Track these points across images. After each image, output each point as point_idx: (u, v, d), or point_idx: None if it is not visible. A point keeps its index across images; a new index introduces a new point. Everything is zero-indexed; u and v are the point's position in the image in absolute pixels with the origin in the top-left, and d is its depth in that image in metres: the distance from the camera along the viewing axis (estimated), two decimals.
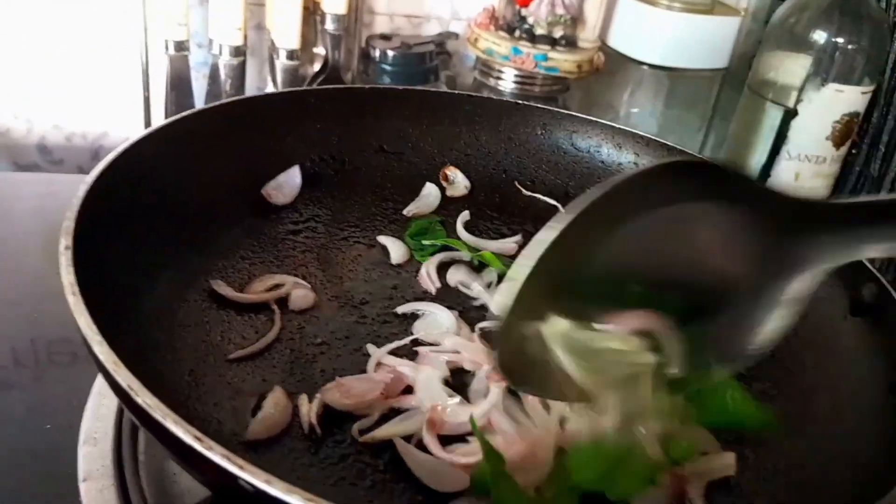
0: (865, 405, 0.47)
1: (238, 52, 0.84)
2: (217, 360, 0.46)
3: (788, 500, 0.44)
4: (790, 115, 0.88)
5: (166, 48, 0.83)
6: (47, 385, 0.55)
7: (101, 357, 0.33)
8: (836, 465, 0.44)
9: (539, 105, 0.70)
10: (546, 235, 0.29)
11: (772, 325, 0.30)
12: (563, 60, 0.94)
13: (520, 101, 0.70)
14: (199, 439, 0.30)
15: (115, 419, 0.50)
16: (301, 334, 0.51)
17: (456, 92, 0.70)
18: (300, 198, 0.62)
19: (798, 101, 0.87)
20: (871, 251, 0.26)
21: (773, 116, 0.90)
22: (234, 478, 0.30)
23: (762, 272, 0.27)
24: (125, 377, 0.33)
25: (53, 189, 0.80)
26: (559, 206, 0.67)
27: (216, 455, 0.30)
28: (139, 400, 0.32)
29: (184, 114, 0.55)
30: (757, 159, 0.93)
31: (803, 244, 0.26)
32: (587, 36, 0.96)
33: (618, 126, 0.68)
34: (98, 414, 0.50)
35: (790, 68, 0.89)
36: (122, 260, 0.46)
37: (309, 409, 0.43)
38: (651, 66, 1.01)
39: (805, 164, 0.88)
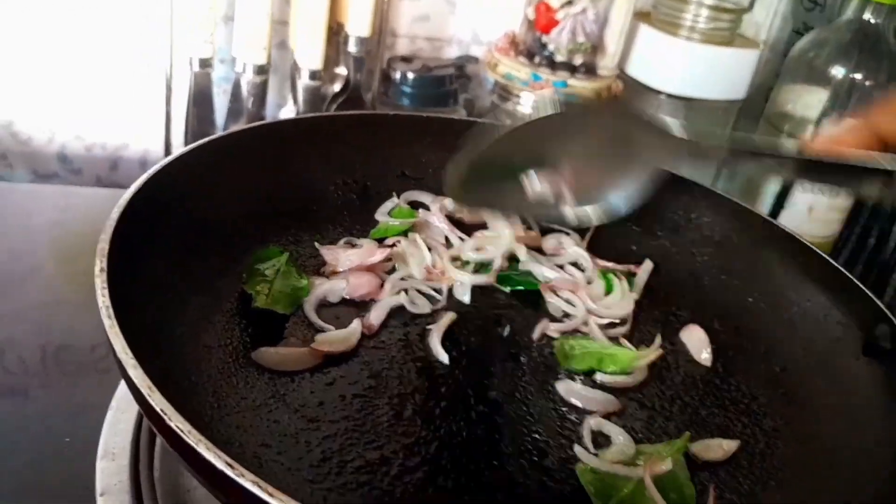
0: (875, 447, 0.47)
1: (262, 70, 0.86)
2: (240, 381, 0.47)
3: None
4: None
5: (191, 65, 0.84)
6: (65, 397, 0.56)
7: (136, 381, 0.34)
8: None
9: None
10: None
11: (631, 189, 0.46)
12: (581, 87, 0.95)
13: None
14: (230, 465, 0.31)
15: (133, 434, 0.50)
16: None
17: (478, 119, 0.71)
18: (324, 221, 0.63)
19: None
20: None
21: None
22: (262, 502, 0.30)
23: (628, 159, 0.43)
24: (159, 401, 0.33)
25: (72, 202, 0.82)
26: (572, 233, 0.67)
27: (247, 482, 0.31)
28: (172, 424, 0.33)
29: (212, 137, 0.56)
30: (772, 191, 0.93)
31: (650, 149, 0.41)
32: (606, 64, 0.97)
33: None
34: (116, 429, 0.51)
35: (807, 102, 0.89)
36: (153, 282, 0.47)
37: None
38: (668, 95, 1.02)
39: (819, 196, 0.89)
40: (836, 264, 0.57)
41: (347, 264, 0.58)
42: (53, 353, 0.60)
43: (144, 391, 0.34)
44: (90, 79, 0.90)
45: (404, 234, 0.63)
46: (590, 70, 0.96)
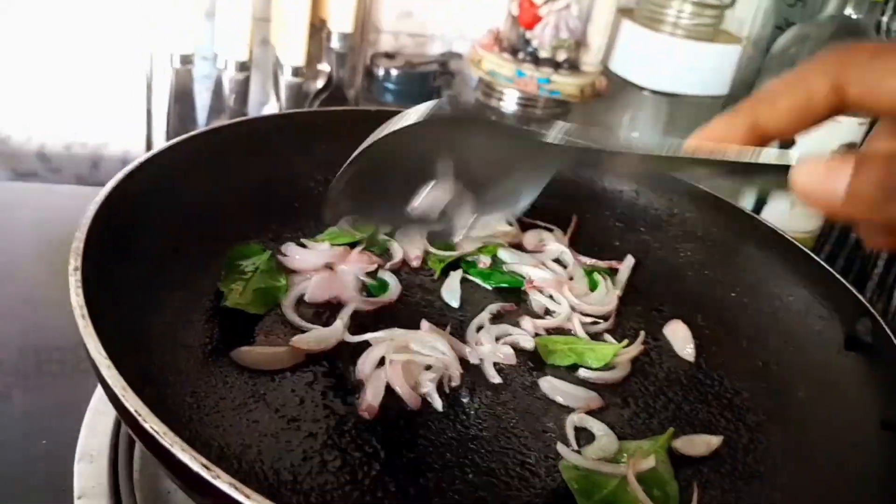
0: (856, 439, 0.47)
1: (243, 67, 0.85)
2: (219, 381, 0.46)
3: None
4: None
5: (171, 61, 0.83)
6: (44, 397, 0.55)
7: (110, 382, 0.34)
8: (825, 498, 0.44)
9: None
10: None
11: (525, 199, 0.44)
12: (565, 84, 0.95)
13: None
14: (206, 467, 0.31)
15: (112, 436, 0.50)
16: None
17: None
18: (307, 218, 0.62)
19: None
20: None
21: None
22: None
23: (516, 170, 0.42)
24: (133, 402, 0.33)
25: (53, 200, 0.81)
26: (555, 229, 0.67)
27: (223, 483, 0.30)
28: (147, 426, 0.32)
29: (191, 133, 0.55)
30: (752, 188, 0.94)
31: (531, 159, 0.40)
32: (590, 60, 0.97)
33: None
34: (95, 431, 0.50)
35: None
36: (131, 280, 0.46)
37: None
38: (652, 91, 1.02)
39: None
40: (817, 259, 0.58)
41: (313, 265, 0.58)
42: (33, 352, 0.59)
43: (118, 392, 0.33)
44: (69, 76, 0.89)
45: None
46: (573, 66, 0.96)
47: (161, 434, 0.32)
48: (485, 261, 0.63)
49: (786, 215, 0.90)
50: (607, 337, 0.57)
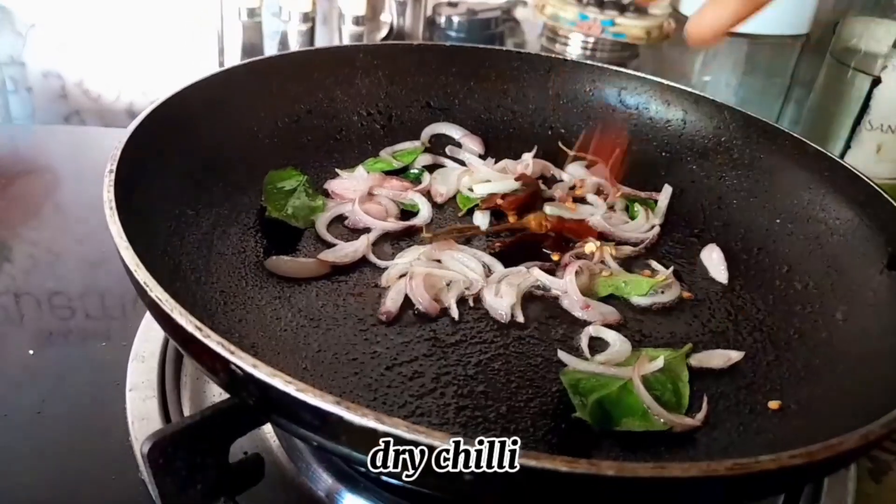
0: (887, 358, 0.45)
1: (307, 17, 0.88)
2: (248, 284, 0.50)
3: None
4: (874, 83, 0.84)
5: (239, 15, 0.88)
6: (104, 317, 0.60)
7: (126, 260, 0.37)
8: (841, 411, 0.43)
9: (588, 62, 0.70)
10: None
11: None
12: (631, 26, 0.93)
13: (568, 59, 0.70)
14: (199, 328, 0.34)
15: (163, 343, 0.54)
16: None
17: (504, 48, 0.71)
18: (347, 150, 0.65)
19: (883, 68, 0.83)
20: None
21: (856, 85, 0.86)
22: (227, 362, 0.33)
23: None
24: (143, 276, 0.36)
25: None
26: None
27: (212, 342, 0.33)
28: (153, 294, 0.35)
29: (234, 64, 0.59)
30: (838, 130, 0.89)
31: None
32: (658, 2, 0.95)
33: (667, 83, 0.68)
34: (148, 336, 0.55)
35: (876, 35, 0.85)
36: (169, 192, 0.50)
37: None
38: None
39: (888, 135, 0.84)
40: (866, 178, 0.55)
41: (354, 190, 0.60)
42: (106, 284, 0.64)
43: (132, 267, 0.37)
44: (150, 37, 0.95)
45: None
46: (639, 8, 0.94)
47: (163, 301, 0.35)
48: None
49: (872, 159, 0.85)
50: (654, 263, 0.57)
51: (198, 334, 0.33)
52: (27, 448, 0.47)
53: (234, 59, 0.93)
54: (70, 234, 0.68)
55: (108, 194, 0.42)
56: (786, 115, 1.07)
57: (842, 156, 0.87)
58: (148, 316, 0.56)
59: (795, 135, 0.61)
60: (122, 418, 0.48)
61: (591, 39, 0.96)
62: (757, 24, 0.98)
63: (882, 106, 0.83)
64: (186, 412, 0.50)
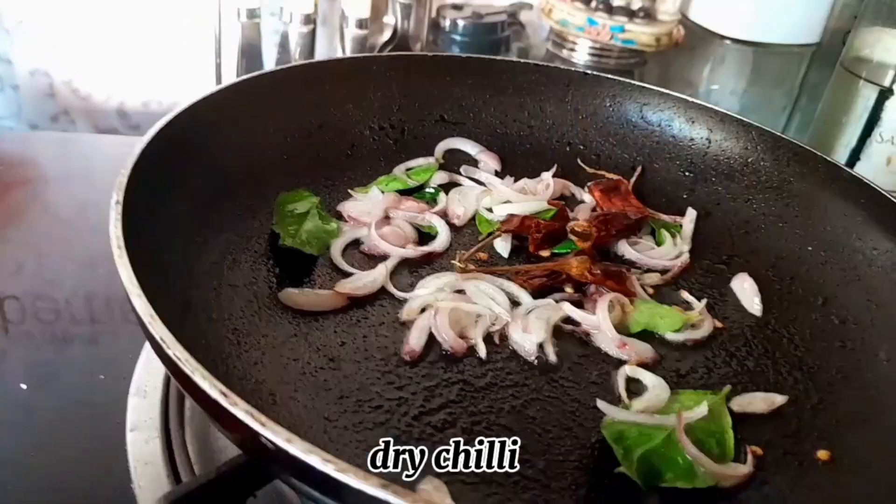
0: None
1: (308, 19, 0.85)
2: (262, 320, 0.46)
3: None
4: (885, 94, 0.82)
5: (238, 15, 0.83)
6: (105, 338, 0.57)
7: (139, 310, 0.34)
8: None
9: (609, 76, 0.67)
10: None
11: None
12: (640, 33, 0.91)
13: (589, 71, 0.67)
14: (224, 395, 0.30)
15: (165, 375, 0.51)
16: None
17: (521, 60, 0.68)
18: (359, 167, 0.61)
19: (894, 80, 0.81)
20: None
21: (866, 96, 0.84)
22: (257, 435, 0.29)
23: None
24: (160, 330, 0.33)
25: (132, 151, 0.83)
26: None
27: (240, 411, 0.30)
28: (170, 352, 0.32)
29: (241, 78, 0.55)
30: (846, 142, 0.87)
31: None
32: (667, 8, 0.92)
33: (691, 100, 0.65)
34: (149, 368, 0.51)
35: (888, 45, 0.83)
36: (176, 219, 0.47)
37: None
38: (735, 40, 0.96)
39: None
40: None
41: (369, 213, 0.56)
42: (110, 299, 0.60)
43: (146, 319, 0.33)
44: (144, 37, 0.91)
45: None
46: (649, 15, 0.91)
47: (182, 361, 0.31)
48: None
49: (881, 171, 0.84)
50: (685, 294, 0.54)
51: (223, 401, 0.30)
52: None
53: (231, 60, 0.88)
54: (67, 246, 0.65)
55: (116, 230, 0.38)
56: (792, 126, 1.05)
57: (850, 166, 0.85)
58: (149, 346, 0.53)
59: (829, 159, 0.59)
60: (122, 457, 0.45)
61: (599, 45, 0.93)
62: (764, 32, 0.97)
63: (893, 118, 0.81)
64: (192, 454, 0.47)
